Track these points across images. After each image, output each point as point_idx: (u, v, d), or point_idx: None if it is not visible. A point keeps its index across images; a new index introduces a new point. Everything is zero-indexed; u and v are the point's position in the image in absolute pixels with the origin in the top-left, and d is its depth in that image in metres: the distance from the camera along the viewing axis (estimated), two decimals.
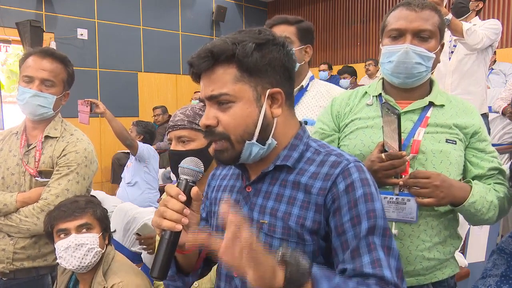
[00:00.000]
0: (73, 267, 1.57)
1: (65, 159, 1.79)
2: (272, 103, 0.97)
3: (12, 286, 1.78)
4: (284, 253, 0.81)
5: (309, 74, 2.01)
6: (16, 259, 1.75)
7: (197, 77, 0.98)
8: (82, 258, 1.56)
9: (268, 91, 0.95)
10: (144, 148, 3.94)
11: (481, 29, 3.19)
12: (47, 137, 1.84)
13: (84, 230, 1.60)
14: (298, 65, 1.90)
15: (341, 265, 0.90)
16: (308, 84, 1.98)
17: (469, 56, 3.34)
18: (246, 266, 0.76)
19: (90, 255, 1.57)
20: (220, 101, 0.94)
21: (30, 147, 1.83)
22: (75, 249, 1.56)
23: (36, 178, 1.79)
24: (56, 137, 1.85)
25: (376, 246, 0.88)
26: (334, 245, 0.92)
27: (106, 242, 1.67)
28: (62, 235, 1.59)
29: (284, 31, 1.88)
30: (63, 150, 1.81)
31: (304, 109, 1.92)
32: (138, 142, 3.95)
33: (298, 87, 1.96)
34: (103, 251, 1.63)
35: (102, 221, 1.66)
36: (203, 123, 0.96)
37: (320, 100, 1.93)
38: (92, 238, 1.59)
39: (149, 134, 4.33)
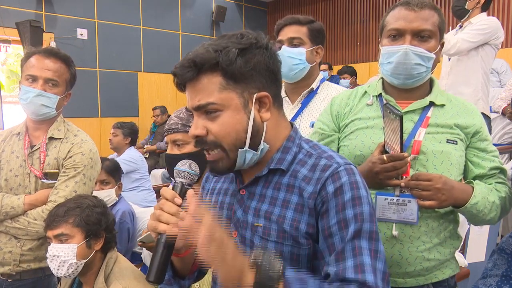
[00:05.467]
0: (55, 274, 1.57)
1: (71, 161, 1.78)
2: (260, 108, 0.96)
3: (18, 287, 1.76)
4: (256, 256, 0.82)
5: (320, 76, 1.99)
6: (23, 261, 1.74)
7: (182, 87, 0.96)
8: (58, 269, 1.54)
9: (255, 96, 0.94)
10: (127, 165, 3.83)
11: (464, 31, 3.16)
12: (51, 138, 1.81)
13: (61, 240, 1.56)
14: (309, 66, 1.91)
15: (325, 267, 0.90)
16: (319, 86, 1.96)
17: (467, 56, 3.33)
18: (216, 264, 0.77)
19: (65, 267, 1.54)
20: (207, 111, 0.93)
21: (34, 149, 1.80)
22: (51, 259, 1.55)
23: (42, 180, 1.77)
24: (60, 138, 1.82)
25: (362, 250, 0.87)
26: (321, 248, 0.92)
27: (98, 247, 1.62)
28: (49, 241, 1.60)
29: (295, 31, 1.88)
30: (68, 151, 1.79)
31: (313, 112, 1.90)
32: (120, 161, 3.70)
33: (308, 89, 1.94)
34: (86, 260, 1.58)
35: (87, 228, 1.59)
36: (192, 133, 0.95)
37: None
38: (67, 250, 1.54)
39: (134, 134, 4.24)
